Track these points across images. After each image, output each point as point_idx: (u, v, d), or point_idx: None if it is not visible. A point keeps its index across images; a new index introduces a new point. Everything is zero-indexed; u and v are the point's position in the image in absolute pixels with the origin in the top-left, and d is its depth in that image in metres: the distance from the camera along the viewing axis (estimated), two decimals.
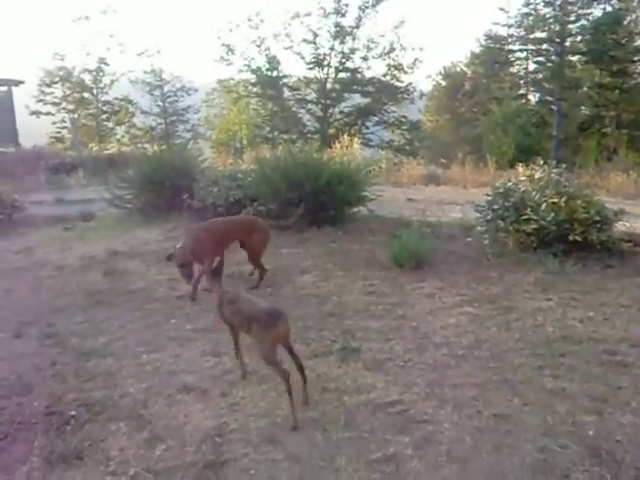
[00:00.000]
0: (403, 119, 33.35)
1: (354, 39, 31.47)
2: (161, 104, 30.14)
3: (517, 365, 3.81)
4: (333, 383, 3.61)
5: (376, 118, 33.83)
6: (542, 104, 27.24)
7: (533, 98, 29.03)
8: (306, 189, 8.25)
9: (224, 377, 3.78)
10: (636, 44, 25.23)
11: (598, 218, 6.37)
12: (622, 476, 2.63)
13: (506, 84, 27.82)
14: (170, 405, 3.42)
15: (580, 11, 25.30)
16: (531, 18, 25.98)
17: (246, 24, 30.47)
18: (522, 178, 7.19)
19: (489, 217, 7.05)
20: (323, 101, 33.19)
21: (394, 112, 33.79)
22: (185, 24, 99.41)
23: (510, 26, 28.38)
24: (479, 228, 7.41)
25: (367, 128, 33.51)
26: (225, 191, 8.66)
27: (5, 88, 19.44)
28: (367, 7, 30.28)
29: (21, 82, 19.66)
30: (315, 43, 31.56)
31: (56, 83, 28.51)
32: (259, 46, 31.09)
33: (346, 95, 33.38)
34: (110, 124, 31.84)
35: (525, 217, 6.57)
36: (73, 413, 3.34)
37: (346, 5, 30.33)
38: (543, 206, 6.43)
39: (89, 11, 32.98)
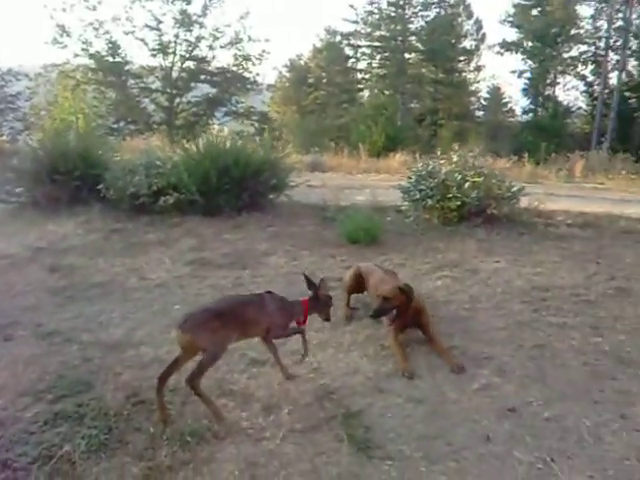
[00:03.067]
0: (252, 109, 33.78)
1: (201, 27, 30.97)
2: None
3: (518, 310, 4.61)
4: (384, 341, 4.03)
5: (225, 109, 33.81)
6: (389, 98, 29.78)
7: (376, 91, 31.54)
8: (234, 176, 8.35)
9: (280, 349, 3.91)
10: (462, 45, 28.96)
11: (509, 194, 7.58)
12: None
13: (352, 77, 29.81)
14: (254, 378, 3.53)
15: (420, 12, 28.25)
16: (375, 16, 28.22)
17: (82, 5, 28.21)
18: (441, 162, 8.14)
19: (416, 197, 7.89)
20: (169, 90, 32.18)
21: (242, 103, 34.05)
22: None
23: (357, 22, 30.45)
24: (403, 207, 8.25)
25: (217, 119, 33.23)
26: (147, 180, 8.33)
27: None
28: None
29: None
30: (159, 29, 30.45)
31: None
32: (97, 29, 29.02)
33: (193, 85, 32.81)
34: None
35: (450, 195, 7.53)
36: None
37: None
38: (466, 185, 7.43)
39: None
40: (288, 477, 2.57)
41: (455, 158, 8.02)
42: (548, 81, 33.38)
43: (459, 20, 32.34)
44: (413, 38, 29.81)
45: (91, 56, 29.21)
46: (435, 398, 3.23)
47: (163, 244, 7.23)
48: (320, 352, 3.90)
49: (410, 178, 8.21)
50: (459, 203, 7.46)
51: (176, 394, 3.31)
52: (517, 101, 38.32)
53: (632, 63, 31.53)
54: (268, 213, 8.70)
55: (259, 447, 2.80)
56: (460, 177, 7.55)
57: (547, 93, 33.64)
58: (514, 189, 7.66)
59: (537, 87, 32.83)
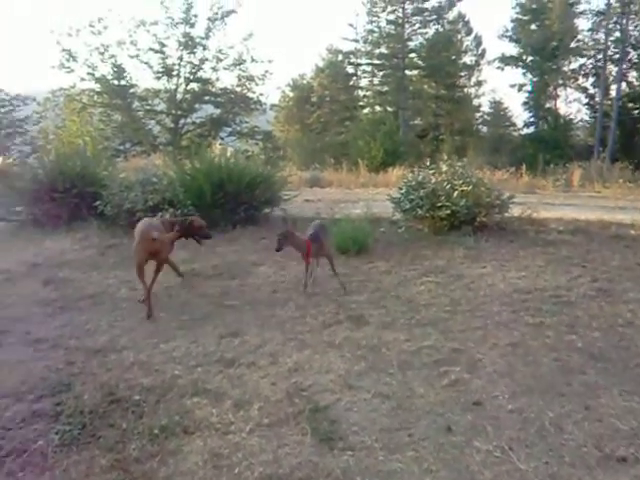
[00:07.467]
0: (256, 129, 34.20)
1: (204, 50, 31.48)
2: None
3: (497, 312, 4.67)
4: (365, 341, 4.11)
5: (229, 129, 34.26)
6: (387, 113, 30.18)
7: (378, 108, 31.90)
8: (228, 191, 8.50)
9: (259, 351, 4.05)
10: (462, 61, 29.38)
11: (498, 202, 7.65)
12: (616, 368, 3.55)
13: (354, 95, 30.24)
14: (229, 378, 3.61)
15: (419, 30, 28.73)
16: (375, 35, 28.69)
17: (87, 30, 28.82)
18: (430, 172, 8.23)
19: (406, 207, 7.98)
20: (174, 112, 32.67)
21: (247, 122, 34.48)
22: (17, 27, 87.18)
23: (357, 41, 30.97)
24: (394, 217, 8.34)
25: (222, 139, 33.60)
26: (143, 196, 8.51)
27: None
28: (216, 19, 30.57)
29: None
30: (163, 52, 30.94)
31: None
32: (102, 53, 29.58)
33: (197, 106, 33.26)
34: None
35: (440, 204, 7.60)
36: (138, 397, 3.37)
37: (195, 16, 30.30)
38: (455, 194, 7.51)
39: None
40: (250, 467, 2.64)
41: (444, 168, 8.11)
42: (548, 94, 33.58)
43: (458, 36, 32.89)
44: (413, 55, 30.33)
45: (97, 80, 29.74)
46: (402, 393, 3.30)
47: None
48: (297, 353, 3.98)
49: (401, 189, 8.31)
50: (449, 212, 7.52)
51: (151, 393, 3.40)
52: (519, 115, 38.44)
53: (633, 74, 31.65)
54: (262, 226, 8.84)
55: (225, 440, 2.88)
56: (449, 186, 7.64)
57: (548, 106, 33.80)
58: (503, 197, 7.73)
59: (538, 100, 32.99)
